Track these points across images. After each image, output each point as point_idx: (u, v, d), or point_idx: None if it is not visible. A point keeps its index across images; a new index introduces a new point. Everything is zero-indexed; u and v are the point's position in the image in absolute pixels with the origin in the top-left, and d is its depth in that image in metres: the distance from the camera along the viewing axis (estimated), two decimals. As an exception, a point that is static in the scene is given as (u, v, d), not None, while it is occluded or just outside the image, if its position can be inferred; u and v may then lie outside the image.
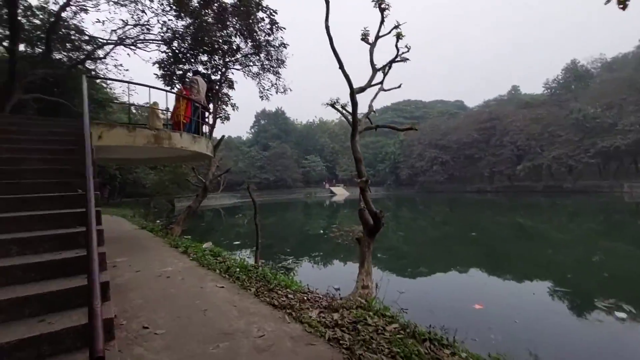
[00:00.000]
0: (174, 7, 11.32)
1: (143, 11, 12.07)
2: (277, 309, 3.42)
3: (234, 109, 13.51)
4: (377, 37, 7.14)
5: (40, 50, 12.18)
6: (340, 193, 60.50)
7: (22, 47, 12.09)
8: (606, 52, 64.96)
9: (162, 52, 12.26)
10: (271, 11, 11.47)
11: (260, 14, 11.47)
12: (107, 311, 2.22)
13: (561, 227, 19.86)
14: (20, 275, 2.41)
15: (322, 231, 20.23)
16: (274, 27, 11.81)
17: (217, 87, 12.24)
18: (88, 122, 3.78)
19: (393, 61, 7.77)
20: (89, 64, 13.90)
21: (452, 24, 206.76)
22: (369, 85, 7.52)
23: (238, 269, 5.02)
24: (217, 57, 12.18)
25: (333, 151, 71.02)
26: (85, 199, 2.50)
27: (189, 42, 11.78)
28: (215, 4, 11.32)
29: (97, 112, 15.47)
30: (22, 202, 3.29)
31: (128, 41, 12.87)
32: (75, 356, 1.98)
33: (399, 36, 7.13)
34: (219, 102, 12.67)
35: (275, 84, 13.26)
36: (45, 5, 12.53)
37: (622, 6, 2.49)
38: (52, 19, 11.65)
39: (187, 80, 9.47)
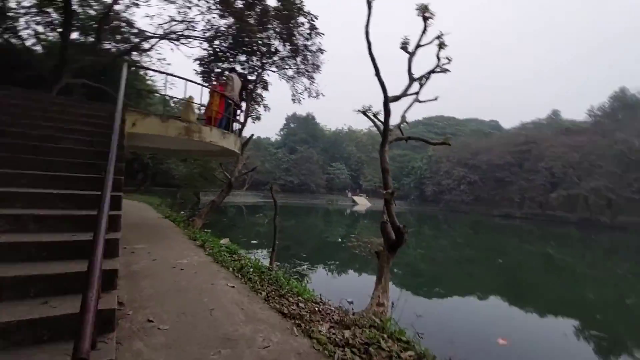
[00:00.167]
0: (219, 7, 11.66)
1: (189, 7, 12.54)
2: (286, 318, 3.24)
3: (265, 110, 13.73)
4: (418, 45, 6.91)
5: (92, 39, 12.92)
6: (362, 203, 59.77)
7: (76, 35, 12.90)
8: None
9: (203, 49, 12.70)
10: (312, 16, 11.57)
11: (301, 19, 11.62)
12: (110, 301, 2.13)
13: (595, 264, 18.41)
14: (33, 252, 2.38)
15: (340, 239, 19.91)
16: (313, 32, 11.92)
17: (251, 87, 12.43)
18: (121, 107, 3.82)
19: (432, 71, 7.49)
20: (135, 55, 14.58)
21: (497, 49, 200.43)
22: (404, 94, 7.28)
23: (252, 269, 4.91)
24: (255, 58, 12.41)
25: (359, 161, 70.52)
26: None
27: (230, 41, 12.08)
28: (259, 7, 11.55)
29: (139, 102, 16.08)
30: (49, 179, 3.33)
31: (173, 36, 13.41)
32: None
33: (441, 46, 6.86)
34: (252, 102, 12.86)
35: (309, 88, 13.41)
36: (101, -3, 13.33)
37: None
38: (105, 11, 12.35)
39: (223, 77, 9.65)
